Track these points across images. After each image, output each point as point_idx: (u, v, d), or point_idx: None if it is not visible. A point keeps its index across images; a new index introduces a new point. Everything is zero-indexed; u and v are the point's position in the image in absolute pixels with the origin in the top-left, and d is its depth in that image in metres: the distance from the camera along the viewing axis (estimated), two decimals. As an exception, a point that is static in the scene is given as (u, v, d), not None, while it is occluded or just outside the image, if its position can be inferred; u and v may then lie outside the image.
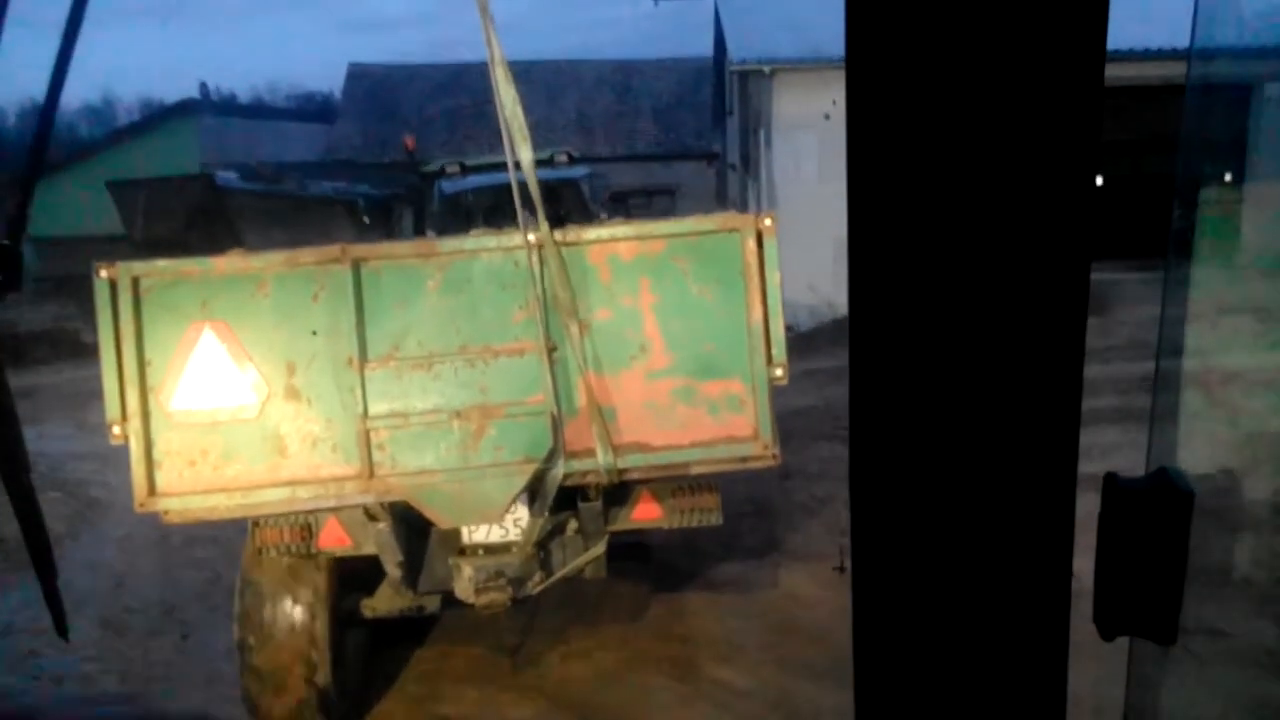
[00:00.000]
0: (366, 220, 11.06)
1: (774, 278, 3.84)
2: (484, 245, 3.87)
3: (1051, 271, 0.71)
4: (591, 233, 3.87)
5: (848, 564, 0.81)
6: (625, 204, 26.97)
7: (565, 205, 9.04)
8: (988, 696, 0.77)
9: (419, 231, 9.37)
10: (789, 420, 9.04)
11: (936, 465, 0.74)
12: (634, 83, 28.00)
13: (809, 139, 13.68)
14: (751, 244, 3.81)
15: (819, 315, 13.58)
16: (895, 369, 0.74)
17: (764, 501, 7.27)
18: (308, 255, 3.82)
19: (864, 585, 0.78)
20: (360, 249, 3.82)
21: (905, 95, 0.70)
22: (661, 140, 26.66)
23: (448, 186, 9.38)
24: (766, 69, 14.28)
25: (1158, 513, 0.85)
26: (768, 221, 3.82)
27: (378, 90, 27.00)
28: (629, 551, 4.57)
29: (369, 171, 16.00)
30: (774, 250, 3.83)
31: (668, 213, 26.14)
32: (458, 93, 26.24)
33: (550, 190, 9.20)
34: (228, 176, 14.92)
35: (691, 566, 6.22)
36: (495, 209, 8.95)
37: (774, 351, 3.85)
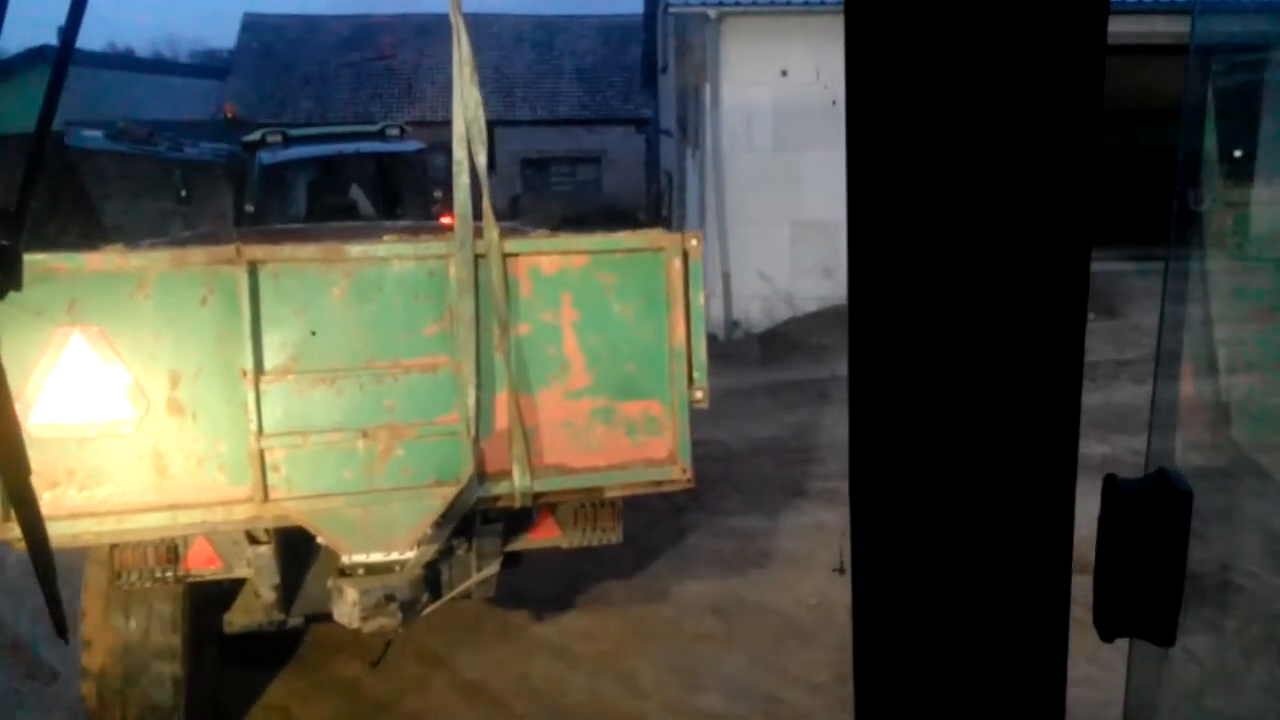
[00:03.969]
0: (183, 193, 10.24)
1: (698, 298, 3.91)
2: (396, 252, 3.78)
3: (1051, 258, 0.72)
4: (514, 244, 3.82)
5: (848, 564, 0.81)
6: (546, 172, 26.01)
7: (397, 182, 9.09)
8: (988, 697, 0.79)
9: (239, 207, 9.23)
10: (749, 461, 7.88)
11: (936, 462, 0.76)
12: (557, 40, 26.98)
13: (763, 99, 11.99)
14: (677, 263, 3.87)
15: (774, 312, 12.10)
16: (895, 365, 0.75)
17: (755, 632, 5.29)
18: (197, 254, 3.66)
19: (864, 585, 0.79)
20: (258, 249, 3.65)
21: (904, 77, 0.71)
22: (586, 103, 25.75)
23: (266, 158, 9.12)
24: (712, 12, 12.06)
25: (1157, 514, 0.86)
26: (694, 242, 3.91)
27: (275, 43, 25.49)
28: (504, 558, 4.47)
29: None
30: (699, 271, 3.92)
31: (593, 183, 25.33)
32: (363, 47, 24.84)
33: (380, 166, 9.26)
34: (91, 136, 13.61)
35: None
36: (319, 183, 9.16)
37: (695, 374, 3.92)
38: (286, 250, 3.75)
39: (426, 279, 3.74)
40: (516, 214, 21.28)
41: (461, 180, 3.63)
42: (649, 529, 6.32)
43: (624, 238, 4.02)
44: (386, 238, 3.96)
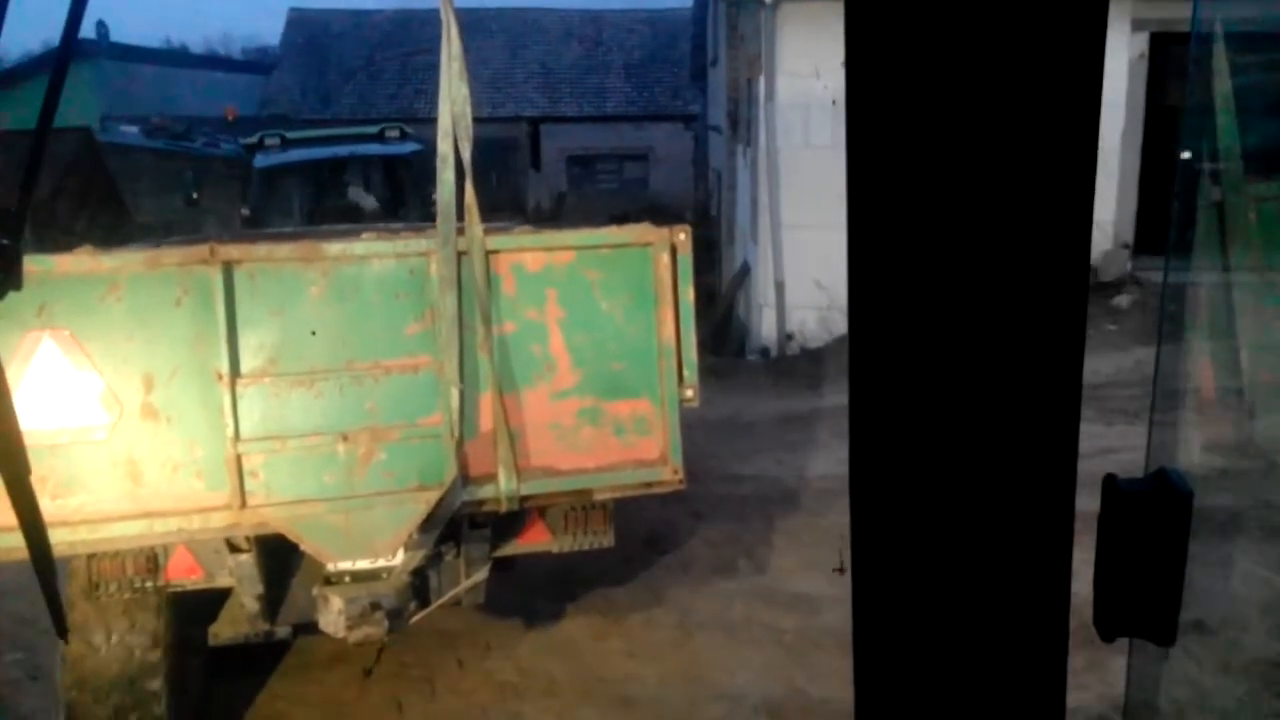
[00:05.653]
0: (194, 194, 10.22)
1: (687, 294, 3.87)
2: (375, 250, 3.73)
3: (1052, 259, 0.73)
4: (497, 240, 3.79)
5: (848, 565, 0.82)
6: (593, 170, 25.65)
7: (396, 184, 9.30)
8: (988, 696, 0.79)
9: (240, 211, 9.36)
10: (809, 505, 6.66)
11: (937, 461, 0.76)
12: (604, 35, 26.70)
13: (821, 92, 11.19)
14: (665, 259, 3.84)
15: (831, 325, 11.15)
16: (895, 364, 0.76)
17: None
18: (170, 255, 3.63)
19: (864, 585, 0.80)
20: (233, 249, 3.61)
21: (906, 83, 0.71)
22: (634, 99, 25.46)
23: (261, 161, 9.19)
24: (768, -3, 11.09)
25: (1157, 514, 0.87)
26: (682, 236, 3.87)
27: (320, 38, 25.48)
28: (494, 563, 4.41)
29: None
30: (688, 266, 3.87)
31: (640, 181, 24.93)
32: (407, 41, 24.66)
33: (378, 168, 9.47)
34: (127, 131, 13.57)
35: None
36: (316, 186, 9.26)
37: (685, 372, 3.89)
38: (262, 249, 3.70)
39: (407, 277, 3.70)
40: (561, 212, 20.97)
41: (445, 176, 3.60)
42: (691, 595, 5.54)
43: (610, 233, 3.99)
44: (365, 235, 3.91)
